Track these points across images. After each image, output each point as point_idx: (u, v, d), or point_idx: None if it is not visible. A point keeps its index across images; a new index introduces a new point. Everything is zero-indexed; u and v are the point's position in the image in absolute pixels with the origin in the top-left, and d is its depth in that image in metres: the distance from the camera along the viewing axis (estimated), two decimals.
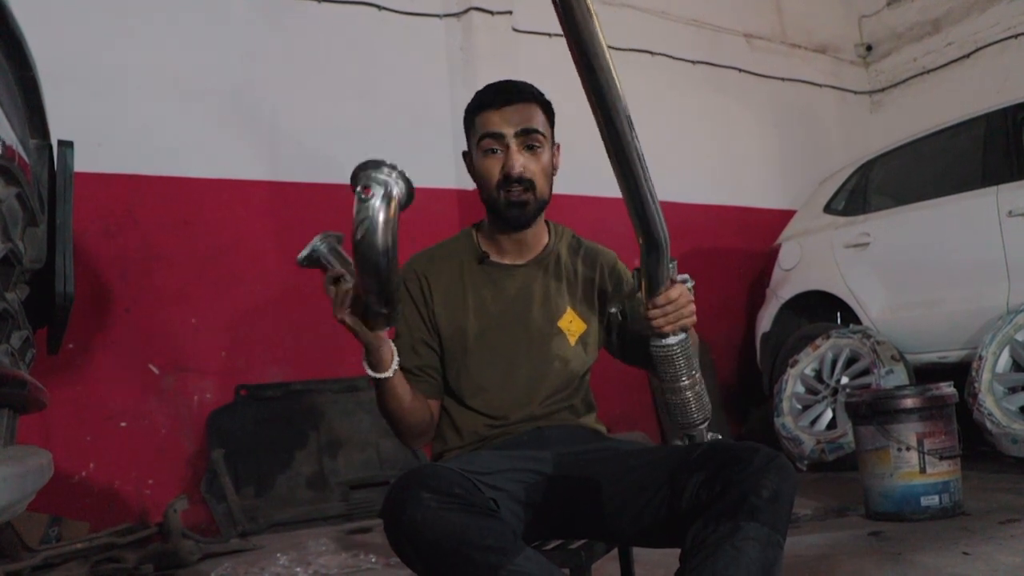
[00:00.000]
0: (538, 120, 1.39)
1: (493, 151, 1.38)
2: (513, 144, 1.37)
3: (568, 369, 1.44)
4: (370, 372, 1.28)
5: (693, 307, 1.24)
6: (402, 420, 1.36)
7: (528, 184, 1.37)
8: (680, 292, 1.22)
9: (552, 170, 1.44)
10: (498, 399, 1.40)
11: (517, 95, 1.39)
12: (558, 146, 1.47)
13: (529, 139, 1.38)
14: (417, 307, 1.44)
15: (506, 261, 1.47)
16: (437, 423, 1.46)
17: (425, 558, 1.06)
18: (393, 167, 1.10)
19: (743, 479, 1.07)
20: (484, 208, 1.45)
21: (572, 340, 1.45)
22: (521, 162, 1.36)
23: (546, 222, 1.51)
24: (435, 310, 1.43)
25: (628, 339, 1.51)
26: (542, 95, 1.43)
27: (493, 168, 1.38)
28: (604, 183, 1.54)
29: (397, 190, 1.10)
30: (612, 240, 1.73)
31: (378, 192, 1.08)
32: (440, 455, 1.44)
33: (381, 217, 1.08)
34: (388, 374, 1.27)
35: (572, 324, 1.46)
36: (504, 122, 1.37)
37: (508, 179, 1.37)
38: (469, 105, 1.44)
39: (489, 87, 1.42)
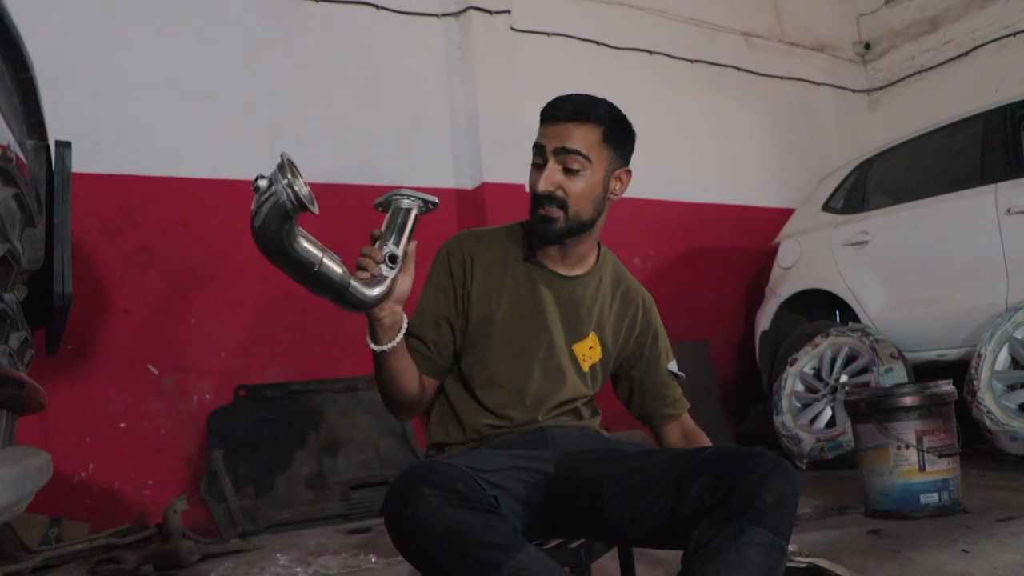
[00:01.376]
0: (582, 140, 1.33)
1: (537, 164, 1.37)
2: (551, 160, 1.35)
3: (575, 390, 1.45)
4: (370, 344, 1.28)
5: None
6: (390, 392, 1.36)
7: (560, 203, 1.34)
8: None
9: (601, 194, 1.38)
10: (505, 397, 1.40)
11: (568, 113, 1.34)
12: (626, 171, 1.43)
13: (566, 159, 1.33)
14: (454, 284, 1.43)
15: (548, 265, 1.45)
16: (439, 411, 1.46)
17: (427, 554, 1.06)
18: (292, 182, 1.06)
19: (748, 484, 1.08)
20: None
21: (584, 366, 1.46)
22: (555, 180, 1.34)
23: (597, 244, 1.50)
24: (471, 291, 1.42)
25: (635, 398, 1.56)
26: (606, 115, 1.36)
27: (533, 180, 1.37)
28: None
29: (285, 196, 1.06)
30: (617, 240, 1.73)
31: (268, 193, 1.06)
32: (441, 447, 1.44)
33: (264, 210, 1.06)
34: (384, 348, 1.27)
35: (591, 351, 1.46)
36: (546, 136, 1.36)
37: (536, 195, 1.36)
38: None
39: (555, 98, 1.38)
